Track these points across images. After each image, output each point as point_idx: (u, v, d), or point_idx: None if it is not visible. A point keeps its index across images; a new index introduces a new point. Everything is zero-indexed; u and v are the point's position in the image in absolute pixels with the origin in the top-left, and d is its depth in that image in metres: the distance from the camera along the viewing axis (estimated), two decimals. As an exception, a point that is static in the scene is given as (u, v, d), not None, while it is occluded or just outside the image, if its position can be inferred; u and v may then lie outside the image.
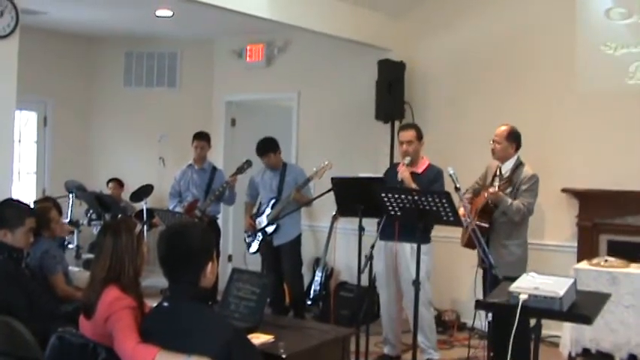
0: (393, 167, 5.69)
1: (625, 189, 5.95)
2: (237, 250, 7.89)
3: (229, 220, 8.35)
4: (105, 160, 8.92)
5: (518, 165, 5.16)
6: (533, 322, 3.12)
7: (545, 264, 5.27)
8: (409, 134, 5.40)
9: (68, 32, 8.47)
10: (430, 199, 4.36)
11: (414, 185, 5.14)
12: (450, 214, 4.36)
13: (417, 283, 4.48)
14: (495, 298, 3.21)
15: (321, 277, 6.95)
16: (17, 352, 3.18)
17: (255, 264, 6.70)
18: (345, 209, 5.34)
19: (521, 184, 5.07)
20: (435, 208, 4.37)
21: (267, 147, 6.51)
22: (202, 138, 6.96)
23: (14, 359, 3.20)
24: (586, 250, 6.06)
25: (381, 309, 5.70)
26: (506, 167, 5.17)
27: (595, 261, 5.37)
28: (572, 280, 3.14)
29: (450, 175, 4.58)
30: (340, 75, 7.68)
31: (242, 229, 7.05)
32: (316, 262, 7.27)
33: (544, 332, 5.24)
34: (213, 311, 2.90)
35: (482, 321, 5.29)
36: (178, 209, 6.75)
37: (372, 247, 4.91)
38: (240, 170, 6.52)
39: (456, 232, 5.18)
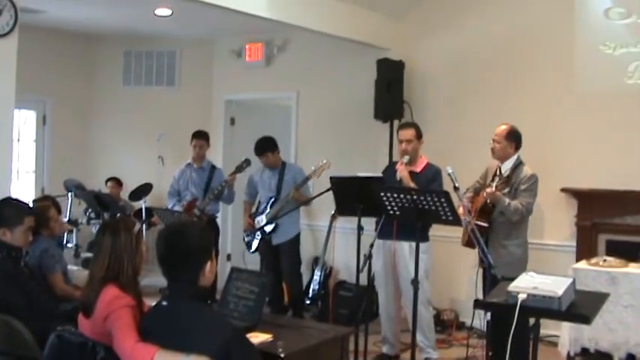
0: (391, 165, 5.69)
1: (624, 189, 5.95)
2: (236, 249, 7.89)
3: (228, 219, 8.34)
4: (104, 159, 8.91)
5: (518, 165, 5.15)
6: (532, 321, 3.12)
7: (544, 264, 5.26)
8: (409, 133, 5.40)
9: (67, 31, 8.47)
10: (429, 199, 4.36)
11: (412, 184, 5.14)
12: (448, 213, 4.36)
13: (415, 281, 4.48)
14: (494, 298, 3.21)
15: (320, 276, 6.95)
16: (16, 351, 3.18)
17: (254, 263, 6.70)
18: (344, 208, 5.34)
19: (520, 184, 5.06)
20: (433, 208, 4.37)
21: (266, 146, 6.50)
22: (201, 137, 6.96)
23: (13, 358, 3.20)
24: (585, 249, 6.07)
25: (380, 308, 5.70)
26: (506, 167, 5.17)
27: (594, 261, 5.37)
28: (570, 280, 3.14)
29: (449, 175, 4.59)
30: (339, 74, 7.68)
31: (241, 228, 7.05)
32: (315, 261, 7.28)
33: (543, 332, 5.24)
34: (212, 310, 2.90)
35: (481, 320, 5.29)
36: (177, 208, 6.75)
37: (371, 246, 4.91)
38: (239, 169, 6.52)
39: (455, 232, 5.18)
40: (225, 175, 6.82)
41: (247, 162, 6.52)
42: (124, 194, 8.22)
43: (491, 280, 4.47)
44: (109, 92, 8.98)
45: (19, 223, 3.92)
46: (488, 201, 5.02)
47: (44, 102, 8.58)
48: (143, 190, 7.72)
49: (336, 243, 6.90)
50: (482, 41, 6.80)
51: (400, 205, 4.50)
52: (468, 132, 6.72)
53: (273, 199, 6.52)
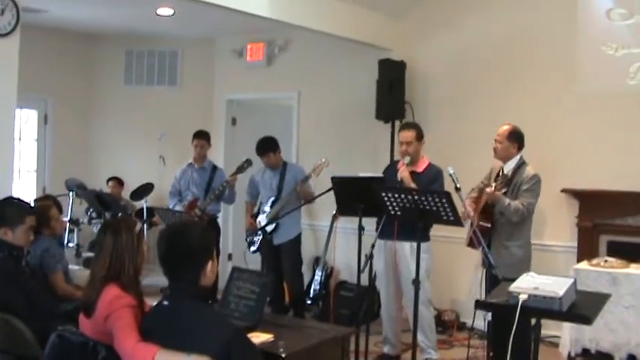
0: (393, 165, 5.69)
1: (625, 189, 5.95)
2: (237, 249, 7.89)
3: (229, 219, 8.35)
4: (105, 159, 8.92)
5: (521, 165, 5.14)
6: (532, 321, 3.12)
7: (545, 264, 5.27)
8: (409, 135, 5.39)
9: (69, 30, 8.47)
10: (430, 199, 4.36)
11: (413, 185, 5.13)
12: (450, 213, 4.36)
13: (416, 282, 4.48)
14: (495, 298, 3.21)
15: (321, 276, 6.95)
16: (17, 351, 3.19)
17: (255, 263, 6.70)
18: (345, 208, 5.34)
19: (522, 184, 5.05)
20: (435, 208, 4.37)
21: (267, 146, 6.50)
22: (202, 137, 6.96)
23: (14, 357, 3.20)
24: (586, 250, 6.06)
25: (381, 308, 5.70)
26: (509, 167, 5.16)
27: (595, 261, 5.37)
28: (571, 281, 3.14)
29: (450, 175, 4.59)
30: (340, 74, 7.68)
31: (242, 228, 7.06)
32: (316, 261, 7.28)
33: (543, 332, 5.25)
34: (213, 310, 2.90)
35: (482, 321, 5.29)
36: (178, 208, 6.75)
37: (373, 246, 4.91)
38: (241, 169, 6.52)
39: (456, 232, 5.17)
40: (226, 176, 6.82)
41: (248, 162, 6.52)
42: (125, 194, 8.22)
43: (492, 280, 4.47)
44: (111, 92, 8.99)
45: (21, 223, 3.92)
46: (489, 201, 5.02)
47: (46, 101, 8.59)
48: (144, 189, 7.72)
49: (337, 243, 6.90)
50: (483, 41, 6.80)
51: (401, 205, 4.50)
52: (469, 132, 6.72)
53: (274, 199, 6.52)
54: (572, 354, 5.28)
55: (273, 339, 3.38)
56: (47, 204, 4.75)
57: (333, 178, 5.27)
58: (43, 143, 8.68)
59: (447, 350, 5.97)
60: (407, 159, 5.30)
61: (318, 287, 6.92)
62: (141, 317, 2.86)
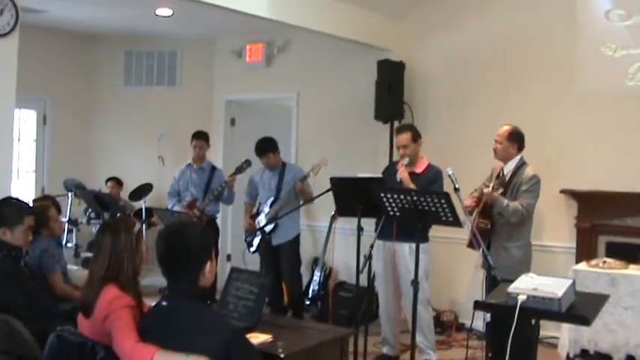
0: (392, 165, 5.70)
1: (624, 190, 5.95)
2: (236, 250, 7.88)
3: (228, 219, 8.34)
4: (104, 159, 8.92)
5: (521, 165, 5.14)
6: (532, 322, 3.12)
7: (543, 265, 5.26)
8: (404, 138, 5.40)
9: (68, 31, 8.47)
10: (429, 200, 4.36)
11: (412, 186, 5.13)
12: (448, 214, 4.36)
13: (415, 282, 4.48)
14: (494, 299, 3.21)
15: (320, 276, 6.94)
16: (16, 351, 3.18)
17: (254, 263, 6.70)
18: (344, 209, 5.34)
19: (521, 185, 5.05)
20: (433, 209, 4.36)
21: (266, 147, 6.50)
22: (201, 137, 6.96)
23: (13, 358, 3.20)
24: (585, 251, 6.07)
25: (380, 309, 5.70)
26: (509, 168, 5.16)
27: (594, 262, 5.37)
28: (570, 281, 3.14)
29: (449, 176, 4.59)
30: (340, 75, 7.68)
31: (241, 228, 7.05)
32: (315, 261, 7.28)
33: (542, 333, 5.27)
34: (211, 310, 2.90)
35: (480, 322, 5.29)
36: (177, 208, 6.75)
37: (371, 246, 4.91)
38: (240, 170, 6.52)
39: (455, 233, 5.16)
40: (225, 176, 6.82)
41: (248, 163, 6.52)
42: (124, 194, 8.22)
43: (491, 281, 4.47)
44: (110, 92, 8.99)
45: (19, 223, 3.92)
46: (487, 202, 5.02)
47: (45, 101, 8.59)
48: (143, 190, 7.72)
49: (336, 244, 6.88)
50: (482, 42, 6.81)
51: (400, 206, 4.50)
52: (469, 133, 6.72)
53: (273, 200, 6.52)
54: (571, 355, 5.28)
55: (271, 339, 3.38)
56: (46, 204, 4.75)
57: (332, 179, 5.27)
58: (41, 144, 8.68)
59: (446, 351, 5.97)
60: (406, 160, 5.30)
61: (316, 288, 6.91)
62: (139, 317, 2.86)
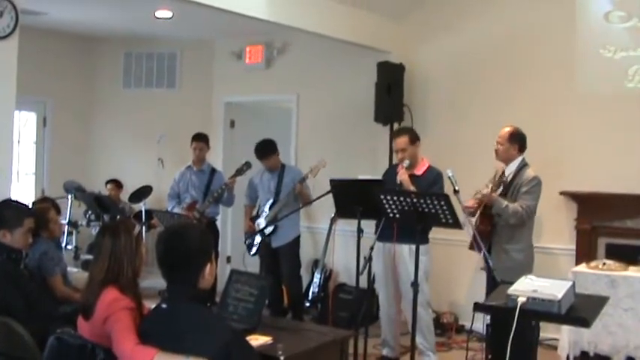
0: (392, 168, 5.70)
1: (624, 192, 5.95)
2: (236, 252, 7.88)
3: (228, 221, 8.34)
4: (104, 161, 8.92)
5: (522, 167, 5.13)
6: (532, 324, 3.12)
7: (543, 267, 5.26)
8: (401, 141, 5.40)
9: (68, 33, 8.48)
10: (429, 202, 4.36)
11: (412, 188, 5.13)
12: (448, 216, 4.35)
13: (415, 284, 4.48)
14: (494, 301, 3.21)
15: (320, 278, 6.94)
16: (15, 353, 3.18)
17: (253, 265, 6.70)
18: (343, 211, 5.34)
19: (521, 186, 5.04)
20: (433, 211, 4.36)
21: (268, 149, 6.50)
22: (201, 139, 6.95)
23: (12, 360, 3.20)
24: (584, 253, 6.06)
25: (380, 311, 5.70)
26: (510, 169, 5.15)
27: (593, 264, 5.36)
28: (570, 283, 3.14)
29: (449, 178, 4.58)
30: (339, 77, 7.68)
31: (241, 230, 7.05)
32: (315, 263, 7.28)
33: (542, 335, 5.26)
34: (211, 313, 2.91)
35: (480, 323, 5.29)
36: (177, 210, 6.75)
37: (372, 248, 4.91)
38: (240, 172, 6.52)
39: (455, 235, 5.16)
40: (225, 178, 6.82)
41: (248, 165, 6.52)
42: (124, 196, 8.23)
43: (491, 283, 4.47)
44: (110, 94, 8.99)
45: (19, 225, 3.92)
46: (487, 203, 5.01)
47: (44, 104, 8.60)
48: (143, 192, 7.72)
49: (335, 245, 6.89)
50: (482, 44, 6.81)
51: (400, 207, 4.49)
52: (468, 135, 6.72)
53: (272, 202, 6.52)
54: (571, 357, 5.27)
55: (271, 342, 3.38)
56: (46, 206, 4.75)
57: (331, 181, 5.27)
58: (41, 146, 8.69)
59: (446, 353, 5.97)
60: (406, 162, 5.30)
61: (316, 290, 6.91)
62: (139, 320, 2.86)
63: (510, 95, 6.61)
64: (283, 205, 6.39)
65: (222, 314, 3.65)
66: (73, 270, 5.47)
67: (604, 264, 5.30)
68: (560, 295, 2.92)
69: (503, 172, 5.19)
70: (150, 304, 2.98)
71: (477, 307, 3.34)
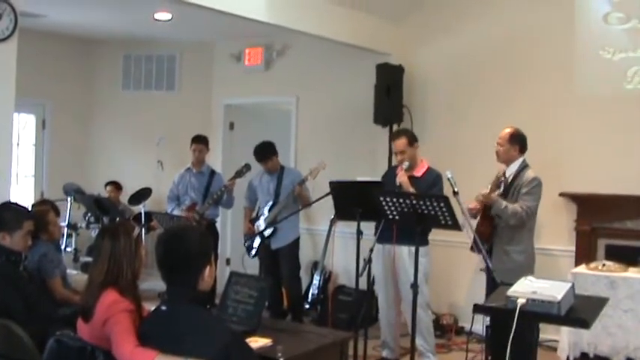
0: (392, 169, 5.70)
1: (623, 193, 5.95)
2: (236, 254, 7.88)
3: (227, 223, 8.33)
4: (103, 163, 8.91)
5: (523, 168, 5.13)
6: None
7: (543, 268, 5.26)
8: (400, 143, 5.40)
9: (67, 35, 8.48)
10: (428, 203, 4.36)
11: (412, 189, 5.13)
12: (448, 218, 4.36)
13: (415, 286, 4.48)
14: (493, 303, 3.21)
15: (320, 280, 6.94)
16: (15, 355, 3.18)
17: (253, 267, 6.70)
18: (343, 213, 5.35)
19: (522, 187, 5.04)
20: (433, 213, 4.37)
21: (267, 152, 6.50)
22: (200, 141, 6.96)
23: (12, 362, 3.20)
24: (584, 254, 6.06)
25: (380, 312, 5.70)
26: (511, 170, 5.14)
27: (593, 265, 5.36)
28: (570, 285, 3.14)
29: (449, 179, 4.58)
30: (339, 79, 7.68)
31: (240, 232, 7.06)
32: (314, 265, 7.27)
33: (542, 336, 5.26)
34: (211, 315, 2.91)
35: (480, 325, 5.28)
36: (176, 212, 6.75)
37: (371, 250, 4.92)
38: (239, 174, 6.52)
39: (454, 236, 5.13)
40: (224, 180, 6.82)
41: (247, 167, 6.52)
42: (124, 198, 8.22)
43: (491, 284, 4.47)
44: (109, 96, 8.99)
45: (19, 228, 3.92)
46: (487, 203, 5.01)
47: (44, 106, 8.60)
48: (142, 194, 7.72)
49: (335, 247, 6.89)
50: (481, 46, 6.81)
51: (399, 209, 4.50)
52: (468, 136, 6.72)
53: (271, 204, 6.52)
54: (571, 358, 5.26)
55: (271, 343, 3.38)
56: (45, 209, 4.74)
57: (331, 183, 5.28)
58: (41, 148, 8.68)
59: (446, 354, 5.97)
60: (406, 164, 5.30)
61: (316, 291, 6.91)
62: (139, 322, 2.86)
63: (509, 97, 6.61)
64: (283, 207, 6.39)
65: (221, 316, 3.65)
66: (72, 272, 5.47)
67: (604, 265, 5.30)
68: (559, 297, 2.92)
69: (504, 173, 5.19)
70: (149, 306, 2.97)
71: (477, 309, 3.34)
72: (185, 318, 2.65)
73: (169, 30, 8.02)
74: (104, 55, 8.96)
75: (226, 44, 8.54)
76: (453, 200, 4.40)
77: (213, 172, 7.01)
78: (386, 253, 5.45)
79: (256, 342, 3.35)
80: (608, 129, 6.14)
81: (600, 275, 5.19)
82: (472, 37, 6.87)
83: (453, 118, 6.95)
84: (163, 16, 7.36)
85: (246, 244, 6.66)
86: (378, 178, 5.76)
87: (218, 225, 7.25)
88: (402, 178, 5.21)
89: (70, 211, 7.82)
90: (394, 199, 4.50)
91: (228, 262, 8.35)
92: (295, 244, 6.60)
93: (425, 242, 5.29)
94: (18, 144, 8.33)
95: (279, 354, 3.19)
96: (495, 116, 6.40)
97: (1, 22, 4.72)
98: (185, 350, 2.55)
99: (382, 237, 5.09)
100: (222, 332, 2.62)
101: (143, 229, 7.14)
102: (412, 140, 5.43)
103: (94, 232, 7.81)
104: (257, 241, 6.55)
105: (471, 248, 5.12)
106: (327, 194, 5.35)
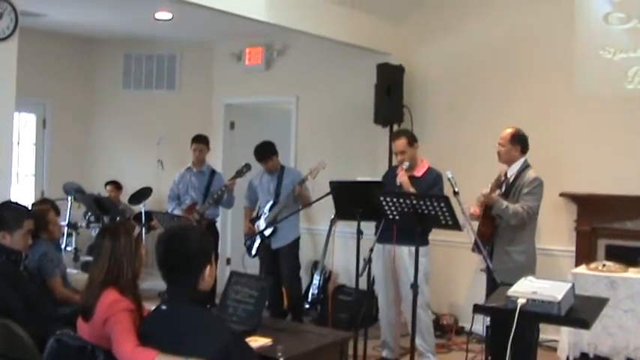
0: (392, 169, 5.70)
1: (623, 193, 5.95)
2: (236, 253, 7.88)
3: (228, 223, 8.34)
4: (103, 163, 8.92)
5: (525, 168, 5.13)
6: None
7: (543, 268, 5.26)
8: (400, 144, 5.41)
9: (67, 34, 8.48)
10: (429, 203, 4.36)
11: (412, 189, 5.13)
12: (448, 218, 4.36)
13: (415, 286, 4.48)
14: (493, 303, 3.21)
15: (320, 280, 6.95)
16: (15, 355, 3.18)
17: (253, 267, 6.70)
18: (343, 213, 5.35)
19: (523, 187, 5.04)
20: (433, 213, 4.37)
21: (267, 151, 6.50)
22: (201, 141, 6.96)
23: (12, 362, 3.20)
24: (584, 254, 6.06)
25: (380, 312, 5.70)
26: (512, 170, 5.13)
27: (593, 265, 5.36)
28: (570, 285, 3.14)
29: (449, 179, 4.58)
30: (339, 79, 7.68)
31: (240, 232, 7.06)
32: (314, 265, 7.27)
33: (542, 336, 5.26)
34: (211, 314, 2.91)
35: (480, 325, 5.29)
36: (177, 212, 6.75)
37: (371, 250, 4.92)
38: (240, 174, 6.52)
39: (455, 236, 5.14)
40: (224, 180, 6.82)
41: (248, 166, 6.52)
42: (124, 198, 8.22)
43: (491, 284, 4.47)
44: (109, 95, 8.99)
45: (19, 227, 3.92)
46: (487, 203, 5.01)
47: (44, 105, 8.60)
48: (143, 193, 7.71)
49: (335, 247, 6.89)
50: (482, 45, 6.81)
51: (400, 209, 4.50)
52: (468, 136, 6.72)
53: (272, 203, 6.52)
54: (571, 358, 5.26)
55: (271, 343, 3.38)
56: (45, 208, 4.75)
57: (331, 183, 5.28)
58: (41, 147, 8.68)
59: (446, 354, 5.97)
60: (406, 164, 5.30)
61: (316, 291, 6.92)
62: (139, 321, 2.86)
63: (510, 97, 6.61)
64: (283, 207, 6.39)
65: (221, 316, 3.65)
66: (72, 271, 5.47)
67: (604, 265, 5.30)
68: (559, 297, 2.92)
69: (505, 174, 5.18)
70: (150, 306, 2.98)
71: (477, 309, 3.34)
72: (185, 318, 2.66)
73: (170, 29, 8.02)
74: (105, 55, 8.96)
75: (227, 44, 8.54)
76: (453, 200, 4.40)
77: (213, 172, 7.01)
78: (386, 253, 5.45)
79: (256, 342, 3.35)
80: (609, 129, 6.14)
81: (600, 275, 5.19)
82: (472, 36, 6.87)
83: (453, 118, 6.95)
84: (164, 15, 7.36)
85: (246, 244, 6.67)
86: (379, 178, 5.76)
87: (218, 225, 7.25)
88: (402, 178, 5.21)
89: (70, 211, 7.82)
90: (394, 199, 4.50)
91: (228, 261, 8.35)
92: (295, 244, 6.60)
93: (425, 242, 5.29)
94: (18, 143, 8.33)
95: (279, 354, 3.19)
96: (495, 116, 6.41)
97: (2, 22, 4.72)
98: (185, 350, 2.55)
99: (382, 237, 5.08)
100: (223, 332, 2.62)
101: (143, 229, 7.13)
102: (412, 140, 5.44)
103: (94, 232, 7.81)
104: (257, 241, 6.55)
105: (473, 249, 5.11)
106: (327, 194, 5.35)
